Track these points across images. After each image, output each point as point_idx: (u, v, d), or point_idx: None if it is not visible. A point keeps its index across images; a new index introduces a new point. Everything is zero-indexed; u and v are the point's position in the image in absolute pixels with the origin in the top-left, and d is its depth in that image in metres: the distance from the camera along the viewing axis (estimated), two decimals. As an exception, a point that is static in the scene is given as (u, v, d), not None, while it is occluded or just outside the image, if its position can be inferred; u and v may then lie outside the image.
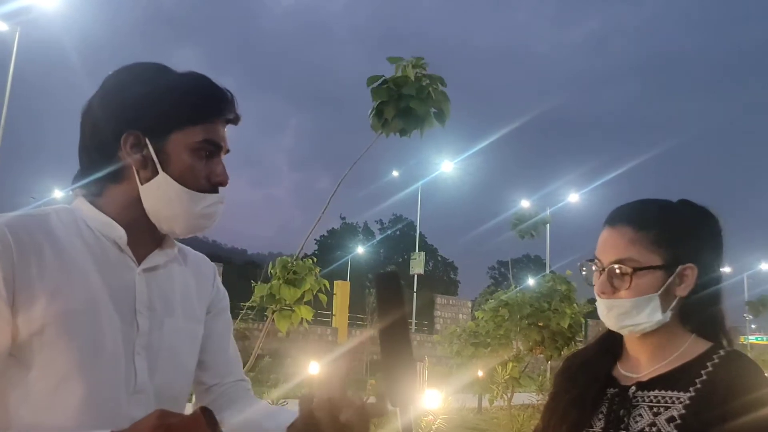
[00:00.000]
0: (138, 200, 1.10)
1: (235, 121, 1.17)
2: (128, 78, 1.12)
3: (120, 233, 1.09)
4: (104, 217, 1.09)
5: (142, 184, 1.09)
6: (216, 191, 1.13)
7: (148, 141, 1.08)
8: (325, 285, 5.51)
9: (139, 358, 1.06)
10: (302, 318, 5.35)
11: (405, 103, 4.91)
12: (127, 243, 1.10)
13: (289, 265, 5.33)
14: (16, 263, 0.97)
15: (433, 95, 4.96)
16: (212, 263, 1.32)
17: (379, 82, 5.09)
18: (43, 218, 1.05)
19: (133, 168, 1.09)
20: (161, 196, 1.09)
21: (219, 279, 1.32)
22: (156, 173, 1.08)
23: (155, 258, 1.14)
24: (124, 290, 1.08)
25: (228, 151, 1.16)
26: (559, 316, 8.89)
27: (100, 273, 1.05)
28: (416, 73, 5.03)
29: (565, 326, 8.82)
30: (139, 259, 1.12)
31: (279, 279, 5.28)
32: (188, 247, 1.26)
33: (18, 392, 0.98)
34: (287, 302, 5.24)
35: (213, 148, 1.12)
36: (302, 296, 5.35)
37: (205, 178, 1.11)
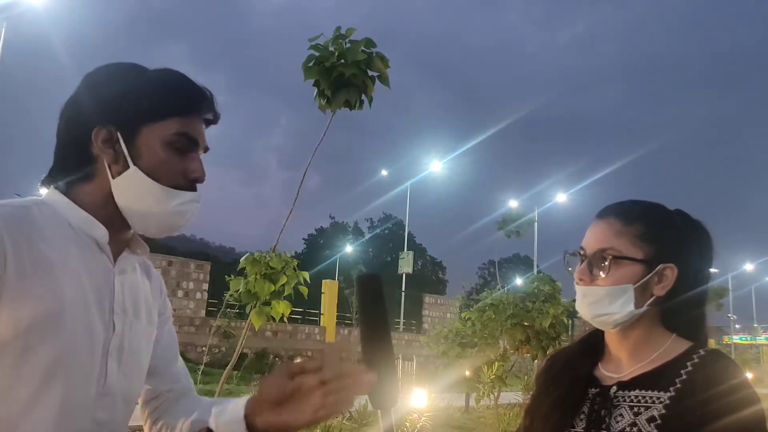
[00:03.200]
0: (111, 197, 1.07)
1: (214, 120, 1.15)
2: (102, 75, 1.11)
3: (102, 232, 1.06)
4: (84, 213, 1.06)
5: (113, 178, 1.06)
6: (192, 189, 1.10)
7: (119, 135, 1.05)
8: (304, 278, 5.44)
9: (111, 360, 1.04)
10: (282, 314, 5.28)
11: (336, 73, 4.84)
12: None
13: (264, 260, 5.27)
14: (9, 257, 0.93)
15: (359, 58, 4.83)
16: (157, 273, 1.28)
17: (312, 62, 5.05)
18: (27, 211, 1.01)
19: (105, 163, 1.06)
20: (132, 191, 1.06)
21: (164, 286, 1.30)
22: (127, 167, 1.05)
23: (127, 260, 1.12)
24: (105, 290, 1.05)
25: (207, 149, 1.13)
26: (543, 316, 8.92)
27: (86, 271, 1.02)
28: (342, 43, 4.94)
29: (546, 326, 8.84)
30: (113, 260, 1.09)
31: (255, 275, 5.22)
32: None
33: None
34: (264, 298, 5.18)
35: (188, 143, 1.08)
36: (282, 291, 5.28)
37: (180, 174, 1.08)
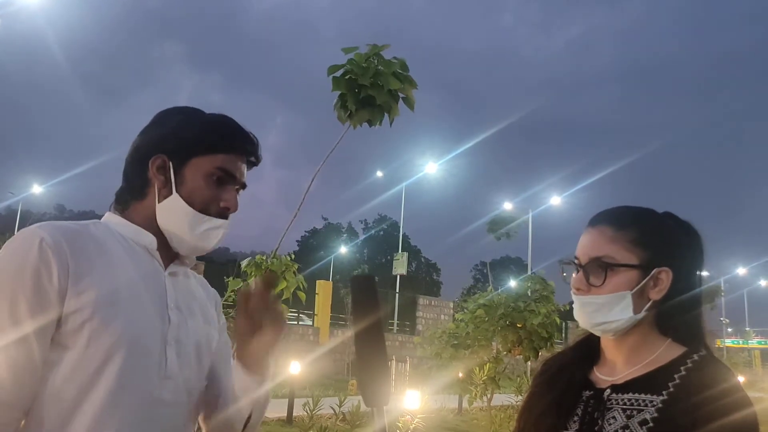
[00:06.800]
0: (156, 217, 1.25)
1: (255, 162, 1.33)
2: (167, 113, 1.31)
3: (150, 239, 1.24)
4: (133, 226, 1.25)
5: (159, 202, 1.24)
6: (222, 216, 1.26)
7: (171, 164, 1.24)
8: (302, 283, 5.47)
9: (170, 348, 1.19)
10: None
11: (364, 92, 4.77)
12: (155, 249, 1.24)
13: (265, 263, 5.29)
14: (70, 261, 1.10)
15: (389, 82, 4.81)
16: (213, 289, 1.45)
17: (340, 71, 5.01)
18: (85, 226, 1.20)
19: (156, 187, 1.24)
20: (170, 214, 1.24)
21: (220, 301, 1.46)
22: (171, 193, 1.23)
23: (176, 266, 1.29)
24: (157, 287, 1.22)
25: (245, 185, 1.31)
26: (533, 315, 8.92)
27: (138, 272, 1.19)
28: (372, 61, 4.92)
29: (536, 324, 8.83)
30: (164, 266, 1.26)
31: (254, 278, 5.23)
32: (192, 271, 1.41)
33: (62, 373, 1.09)
34: None
35: (225, 176, 1.26)
36: (280, 294, 5.30)
37: (213, 201, 1.25)
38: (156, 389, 1.15)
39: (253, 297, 1.20)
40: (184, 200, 1.23)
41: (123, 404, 1.10)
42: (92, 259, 1.13)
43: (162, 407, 1.16)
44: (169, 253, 1.27)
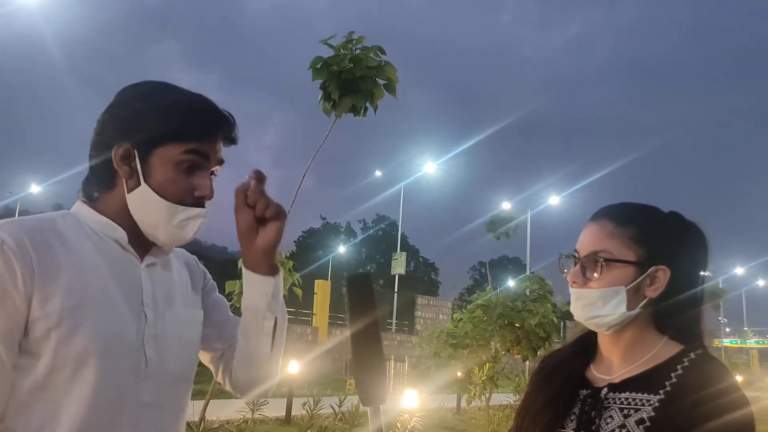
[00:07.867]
0: (128, 207, 1.18)
1: (231, 141, 1.24)
2: (129, 94, 1.21)
3: (120, 233, 1.17)
4: (104, 218, 1.17)
5: (128, 192, 1.16)
6: (200, 205, 1.19)
7: (135, 153, 1.15)
8: (297, 280, 5.46)
9: (148, 347, 1.14)
10: None
11: (346, 76, 4.82)
12: (128, 242, 1.18)
13: None
14: (35, 263, 1.05)
15: (372, 64, 4.80)
16: (190, 254, 1.40)
17: (320, 64, 5.01)
18: (52, 222, 1.13)
19: (122, 178, 1.16)
20: (142, 206, 1.16)
21: (201, 263, 1.41)
22: (139, 184, 1.15)
23: (154, 255, 1.22)
24: (132, 285, 1.16)
25: (221, 162, 1.22)
26: (531, 315, 8.93)
27: (110, 269, 1.14)
28: (352, 48, 4.94)
29: (534, 324, 8.84)
30: (140, 257, 1.20)
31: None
32: None
33: (34, 380, 1.04)
34: None
35: (197, 160, 1.17)
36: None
37: (188, 192, 1.17)
38: (136, 392, 1.11)
39: (251, 189, 1.17)
40: (154, 191, 1.14)
41: (102, 411, 1.06)
42: (59, 259, 1.07)
43: (144, 410, 1.12)
44: (146, 242, 1.20)
